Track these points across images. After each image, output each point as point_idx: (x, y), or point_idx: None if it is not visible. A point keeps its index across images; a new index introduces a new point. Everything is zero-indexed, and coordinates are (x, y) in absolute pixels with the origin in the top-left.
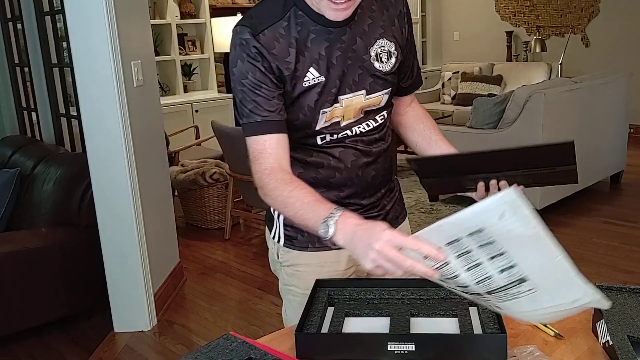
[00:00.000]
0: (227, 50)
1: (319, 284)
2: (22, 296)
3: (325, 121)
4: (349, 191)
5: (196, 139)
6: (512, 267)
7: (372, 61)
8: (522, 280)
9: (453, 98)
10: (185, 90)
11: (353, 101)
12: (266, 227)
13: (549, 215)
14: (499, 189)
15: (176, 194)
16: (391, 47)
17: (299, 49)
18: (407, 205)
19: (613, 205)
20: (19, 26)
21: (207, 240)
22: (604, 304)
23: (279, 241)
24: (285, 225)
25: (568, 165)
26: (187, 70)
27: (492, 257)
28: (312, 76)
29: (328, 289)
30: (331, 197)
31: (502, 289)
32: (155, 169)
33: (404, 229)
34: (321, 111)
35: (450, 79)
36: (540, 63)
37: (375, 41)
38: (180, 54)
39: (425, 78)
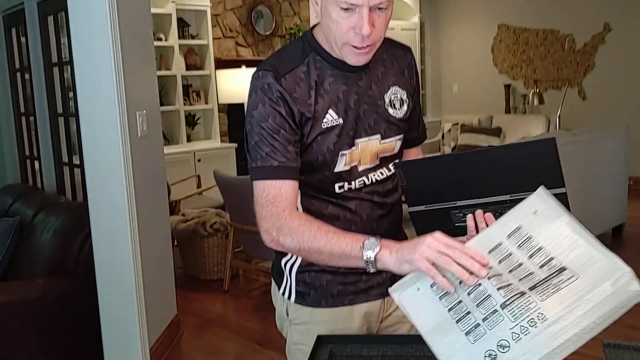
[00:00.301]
0: (232, 101)
1: (321, 339)
2: (17, 347)
3: (345, 164)
4: None
5: (198, 188)
6: (550, 259)
7: (386, 107)
8: (562, 269)
9: (453, 149)
10: (189, 140)
11: (369, 145)
12: (273, 283)
13: None
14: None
15: (176, 243)
16: (403, 95)
17: (318, 91)
18: None
19: None
20: (27, 76)
21: (205, 291)
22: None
23: (289, 297)
24: (297, 280)
25: (554, 180)
26: (191, 120)
27: (531, 255)
28: (331, 118)
29: (330, 345)
30: None
31: (544, 280)
32: (157, 219)
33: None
34: (340, 153)
35: (450, 130)
36: (539, 115)
37: (389, 88)
38: (184, 104)
39: (426, 129)
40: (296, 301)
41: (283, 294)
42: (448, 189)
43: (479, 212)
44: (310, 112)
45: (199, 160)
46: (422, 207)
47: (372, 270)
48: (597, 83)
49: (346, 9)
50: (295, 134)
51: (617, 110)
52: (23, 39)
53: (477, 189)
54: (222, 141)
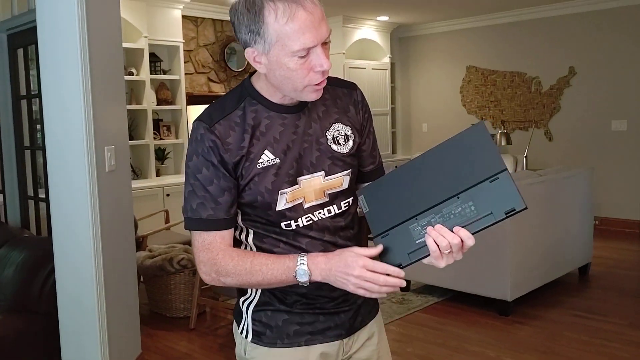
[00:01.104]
0: None
1: None
2: None
3: (287, 202)
4: (317, 284)
5: (166, 223)
6: None
7: (329, 144)
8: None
9: None
10: (158, 174)
11: (312, 182)
12: (234, 322)
13: (520, 307)
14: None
15: (142, 279)
16: (347, 131)
17: (253, 134)
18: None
19: (582, 297)
20: None
21: (171, 329)
22: None
23: (246, 336)
24: (253, 319)
25: (494, 166)
26: (161, 155)
27: None
28: (267, 158)
29: None
30: (301, 289)
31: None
32: (122, 255)
33: (377, 324)
34: (280, 192)
35: None
36: (506, 155)
37: (331, 125)
38: (154, 138)
39: (395, 166)
40: (253, 340)
41: (241, 332)
42: (405, 204)
43: (430, 229)
44: (243, 153)
45: (168, 195)
46: (384, 230)
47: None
48: (563, 124)
49: (303, 56)
50: (229, 181)
51: (582, 151)
52: None
53: (430, 195)
54: None
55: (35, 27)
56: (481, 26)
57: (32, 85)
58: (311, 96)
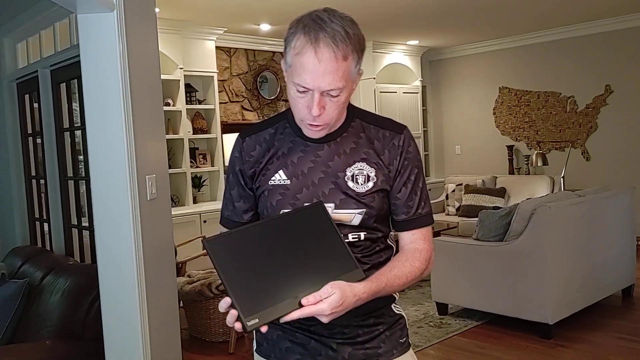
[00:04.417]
0: None
1: None
2: None
3: None
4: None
5: (203, 249)
6: None
7: (346, 180)
8: None
9: (457, 209)
10: (195, 201)
11: None
12: None
13: (562, 330)
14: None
15: (181, 305)
16: (371, 172)
17: (275, 153)
18: (416, 319)
19: (626, 320)
20: (38, 140)
21: (211, 354)
22: None
23: (254, 344)
24: (256, 330)
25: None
26: (197, 182)
27: None
28: (279, 178)
29: None
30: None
31: None
32: (164, 281)
33: None
34: (282, 211)
35: (454, 190)
36: (543, 176)
37: (355, 163)
38: (191, 166)
39: (429, 189)
40: (256, 349)
41: (254, 339)
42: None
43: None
44: (261, 169)
45: (205, 222)
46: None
47: None
48: (601, 144)
49: (302, 91)
50: (245, 191)
51: (621, 170)
52: (36, 105)
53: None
54: None
55: (76, 62)
56: (513, 47)
57: (74, 117)
58: (307, 132)
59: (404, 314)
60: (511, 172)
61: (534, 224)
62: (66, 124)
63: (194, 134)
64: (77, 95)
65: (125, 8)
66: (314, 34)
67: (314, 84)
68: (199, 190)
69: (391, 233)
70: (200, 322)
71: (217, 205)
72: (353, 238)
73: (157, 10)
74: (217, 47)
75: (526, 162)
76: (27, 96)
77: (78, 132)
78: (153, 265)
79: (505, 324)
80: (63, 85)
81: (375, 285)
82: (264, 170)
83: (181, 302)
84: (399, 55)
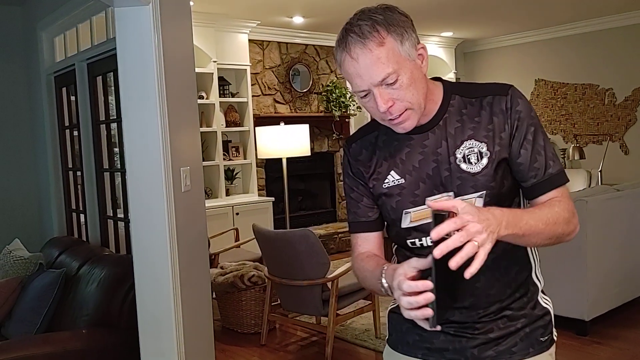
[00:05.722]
0: (270, 156)
1: None
2: None
3: (411, 221)
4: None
5: (236, 241)
6: None
7: (458, 163)
8: None
9: None
10: (227, 194)
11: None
12: None
13: (598, 327)
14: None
15: (214, 296)
16: (482, 148)
17: (381, 155)
18: None
19: None
20: (75, 133)
21: (243, 345)
22: None
23: (387, 336)
24: (388, 320)
25: None
26: (230, 175)
27: None
28: (393, 178)
29: None
30: None
31: None
32: (197, 272)
33: None
34: (404, 211)
35: None
36: (580, 170)
37: (462, 143)
38: (224, 159)
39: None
40: (387, 339)
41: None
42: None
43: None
44: (370, 171)
45: (237, 214)
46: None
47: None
48: None
49: (363, 96)
50: (365, 189)
51: None
52: (72, 98)
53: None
54: (259, 195)
55: (112, 55)
56: (549, 38)
57: (110, 110)
58: (395, 128)
59: (550, 308)
60: None
61: None
62: (102, 117)
63: (227, 126)
64: (113, 88)
65: (160, 2)
66: (345, 41)
67: (364, 83)
68: (231, 183)
69: None
70: (232, 313)
71: (250, 197)
72: None
73: (191, 3)
74: (250, 40)
75: (563, 156)
76: (64, 89)
77: (114, 125)
78: (187, 257)
79: None
80: (99, 79)
81: (514, 216)
82: (375, 174)
83: (214, 293)
84: (433, 47)
